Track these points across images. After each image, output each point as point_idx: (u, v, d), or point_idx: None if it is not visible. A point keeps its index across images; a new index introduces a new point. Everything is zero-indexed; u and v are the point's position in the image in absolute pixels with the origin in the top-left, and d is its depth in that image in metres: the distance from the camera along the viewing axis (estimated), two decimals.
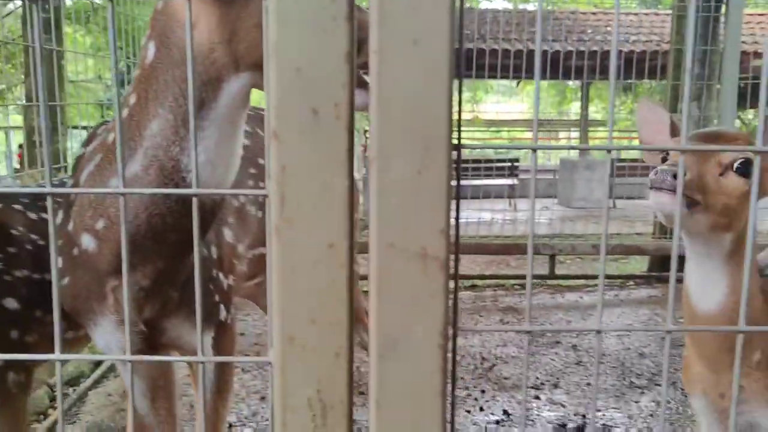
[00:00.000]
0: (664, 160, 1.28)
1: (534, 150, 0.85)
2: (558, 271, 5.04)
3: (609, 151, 0.82)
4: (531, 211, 0.80)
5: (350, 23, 0.78)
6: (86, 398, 2.79)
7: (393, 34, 0.76)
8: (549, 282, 4.95)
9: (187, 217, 1.09)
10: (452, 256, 0.80)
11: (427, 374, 0.83)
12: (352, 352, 0.86)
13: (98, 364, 3.03)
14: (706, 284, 1.22)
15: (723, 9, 4.68)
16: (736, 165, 1.16)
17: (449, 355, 0.90)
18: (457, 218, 0.89)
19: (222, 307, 1.51)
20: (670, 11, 6.70)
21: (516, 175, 12.07)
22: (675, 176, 1.07)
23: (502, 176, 11.92)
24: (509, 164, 12.15)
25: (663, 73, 5.65)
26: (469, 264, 6.34)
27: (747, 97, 11.50)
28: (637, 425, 2.48)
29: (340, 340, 0.83)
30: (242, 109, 1.19)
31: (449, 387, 0.87)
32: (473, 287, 4.96)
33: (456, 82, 0.83)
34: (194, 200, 0.76)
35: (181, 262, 1.30)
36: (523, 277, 5.12)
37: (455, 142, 0.81)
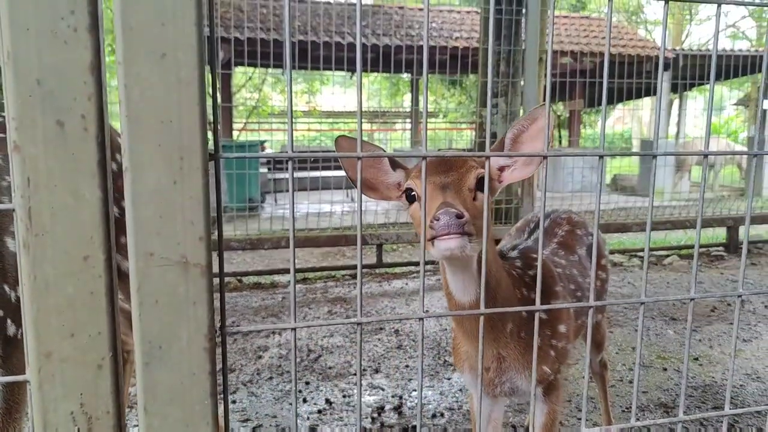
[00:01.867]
0: (410, 198, 1.29)
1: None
2: (386, 260, 5.26)
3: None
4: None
5: (94, 34, 0.77)
6: None
7: (139, 47, 0.77)
8: (377, 270, 5.15)
9: None
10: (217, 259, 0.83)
11: (194, 378, 0.85)
12: (118, 363, 0.86)
13: None
14: (465, 286, 1.37)
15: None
16: (477, 184, 1.23)
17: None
18: (219, 222, 0.92)
19: (9, 321, 1.42)
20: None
21: None
22: (457, 216, 1.10)
23: (340, 167, 12.12)
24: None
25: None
26: (305, 256, 6.40)
27: (555, 92, 12.68)
28: (447, 400, 2.69)
29: (101, 351, 0.83)
30: None
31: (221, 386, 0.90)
32: (305, 280, 5.03)
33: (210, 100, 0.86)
34: None
35: None
36: (353, 267, 5.28)
37: (211, 151, 0.84)
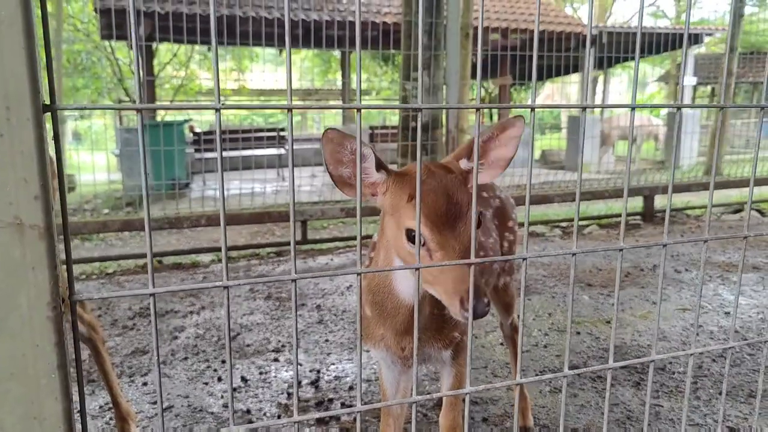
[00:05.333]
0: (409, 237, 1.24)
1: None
2: (311, 237, 5.20)
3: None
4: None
5: None
6: None
7: None
8: (303, 247, 5.09)
9: None
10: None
11: (38, 349, 0.78)
12: None
13: None
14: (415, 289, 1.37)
15: None
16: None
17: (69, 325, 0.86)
18: (60, 181, 0.85)
19: None
20: None
21: (283, 145, 12.11)
22: (487, 305, 1.10)
23: (272, 146, 11.92)
24: (277, 134, 12.13)
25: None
26: (233, 236, 6.27)
27: (485, 67, 12.79)
28: (365, 372, 2.67)
29: None
30: None
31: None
32: (228, 259, 4.92)
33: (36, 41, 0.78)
34: None
35: None
36: (278, 245, 5.20)
37: (46, 102, 0.76)
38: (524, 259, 1.10)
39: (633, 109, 1.10)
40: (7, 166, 0.74)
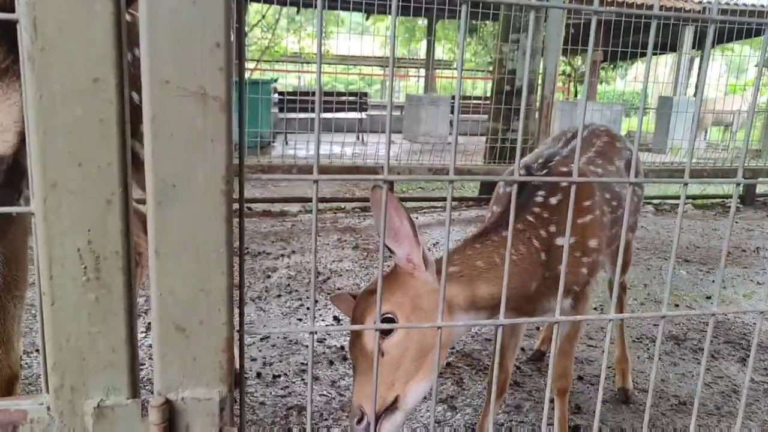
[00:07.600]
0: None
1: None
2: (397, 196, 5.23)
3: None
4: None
5: None
6: None
7: None
8: None
9: None
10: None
11: (209, 223, 0.80)
12: (128, 201, 0.81)
13: None
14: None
15: None
16: (380, 332, 1.09)
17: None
18: (240, 60, 0.86)
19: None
20: None
21: (365, 110, 12.15)
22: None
23: (353, 110, 11.99)
24: (358, 99, 12.16)
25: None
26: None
27: (579, 39, 12.31)
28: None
29: (111, 185, 0.78)
30: None
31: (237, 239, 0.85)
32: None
33: None
34: None
35: None
36: (363, 200, 5.24)
37: None
38: (684, 183, 1.05)
39: None
40: (196, 34, 0.74)
